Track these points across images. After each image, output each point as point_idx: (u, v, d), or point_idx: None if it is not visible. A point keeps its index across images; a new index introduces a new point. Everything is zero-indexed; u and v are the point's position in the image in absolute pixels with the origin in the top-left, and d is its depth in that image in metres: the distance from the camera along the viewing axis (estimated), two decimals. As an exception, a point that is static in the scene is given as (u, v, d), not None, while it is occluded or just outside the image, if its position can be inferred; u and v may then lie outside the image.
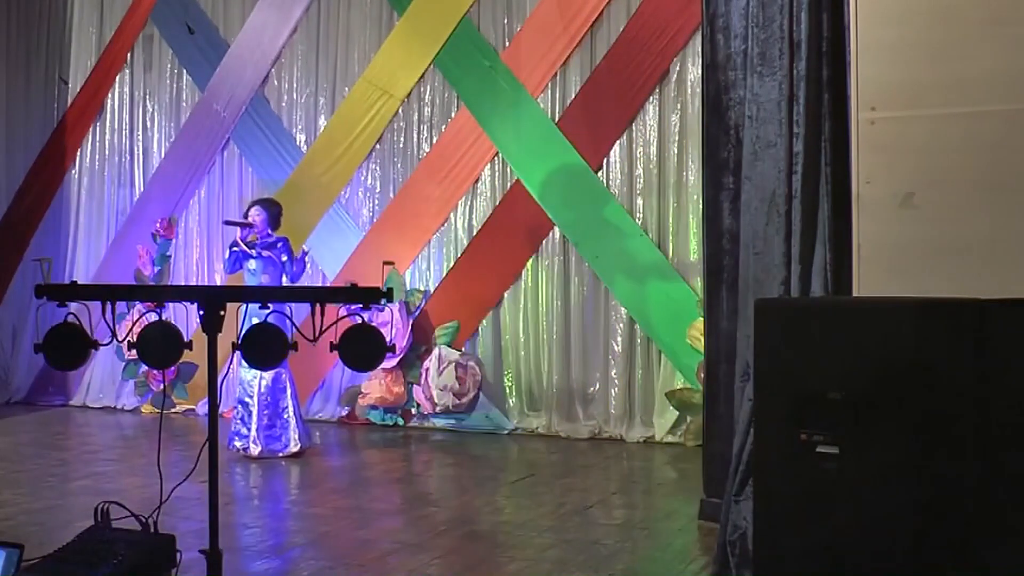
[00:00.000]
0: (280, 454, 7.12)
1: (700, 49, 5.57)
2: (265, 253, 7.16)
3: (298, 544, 5.01)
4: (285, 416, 7.15)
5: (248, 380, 7.13)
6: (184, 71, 9.90)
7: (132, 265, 9.80)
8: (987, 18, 3.71)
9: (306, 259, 7.49)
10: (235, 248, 7.24)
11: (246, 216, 7.40)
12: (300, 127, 9.50)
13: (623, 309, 8.28)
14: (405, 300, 8.79)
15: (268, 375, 7.04)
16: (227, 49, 9.61)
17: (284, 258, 7.19)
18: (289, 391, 7.18)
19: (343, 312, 3.50)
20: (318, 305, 3.43)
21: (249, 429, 7.09)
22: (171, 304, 3.81)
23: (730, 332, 4.91)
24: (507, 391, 8.65)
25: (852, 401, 3.13)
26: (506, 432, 8.45)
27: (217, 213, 9.52)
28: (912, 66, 3.81)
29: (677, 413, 7.99)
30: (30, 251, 10.17)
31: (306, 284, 9.02)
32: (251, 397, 7.11)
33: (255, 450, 7.06)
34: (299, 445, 7.18)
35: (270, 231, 7.29)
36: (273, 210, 7.38)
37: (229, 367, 6.74)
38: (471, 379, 8.59)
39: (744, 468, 4.39)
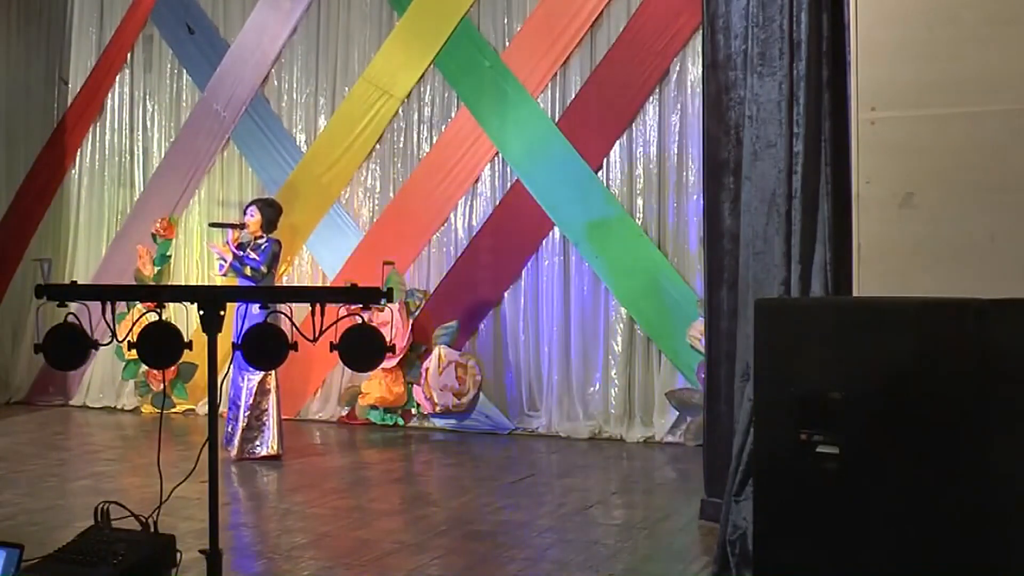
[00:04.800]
0: (255, 455, 7.10)
1: (700, 49, 5.57)
2: (252, 256, 7.11)
3: (298, 544, 5.01)
4: (264, 418, 7.13)
5: (239, 383, 7.12)
6: (184, 71, 9.91)
7: (132, 265, 9.79)
8: (987, 18, 3.71)
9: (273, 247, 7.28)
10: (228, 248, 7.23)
11: (245, 213, 7.38)
12: (300, 127, 9.50)
13: (623, 309, 8.28)
14: (405, 300, 8.79)
15: (256, 377, 7.02)
16: (227, 49, 9.62)
17: (256, 256, 7.11)
18: (273, 394, 7.16)
19: (343, 312, 3.50)
20: (318, 305, 3.43)
21: (235, 430, 7.09)
22: (171, 304, 3.80)
23: (730, 332, 4.91)
24: (507, 391, 8.65)
25: (852, 401, 3.13)
26: (506, 432, 8.45)
27: (217, 213, 9.52)
28: (912, 66, 3.81)
29: (677, 413, 7.99)
30: (30, 251, 10.18)
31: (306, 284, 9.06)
32: (240, 399, 7.10)
33: (234, 451, 7.05)
34: (274, 449, 7.13)
35: (264, 232, 7.25)
36: (268, 212, 7.31)
37: (229, 367, 6.74)
38: (471, 379, 8.58)
39: (744, 468, 4.39)
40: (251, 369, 6.73)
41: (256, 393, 7.07)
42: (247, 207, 7.47)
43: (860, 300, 3.71)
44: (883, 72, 3.86)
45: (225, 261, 7.15)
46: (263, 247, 7.16)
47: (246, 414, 7.07)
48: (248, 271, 7.05)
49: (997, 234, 3.65)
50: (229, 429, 7.16)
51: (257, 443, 7.12)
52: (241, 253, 7.11)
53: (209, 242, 7.22)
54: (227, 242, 7.24)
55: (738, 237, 4.77)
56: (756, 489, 3.60)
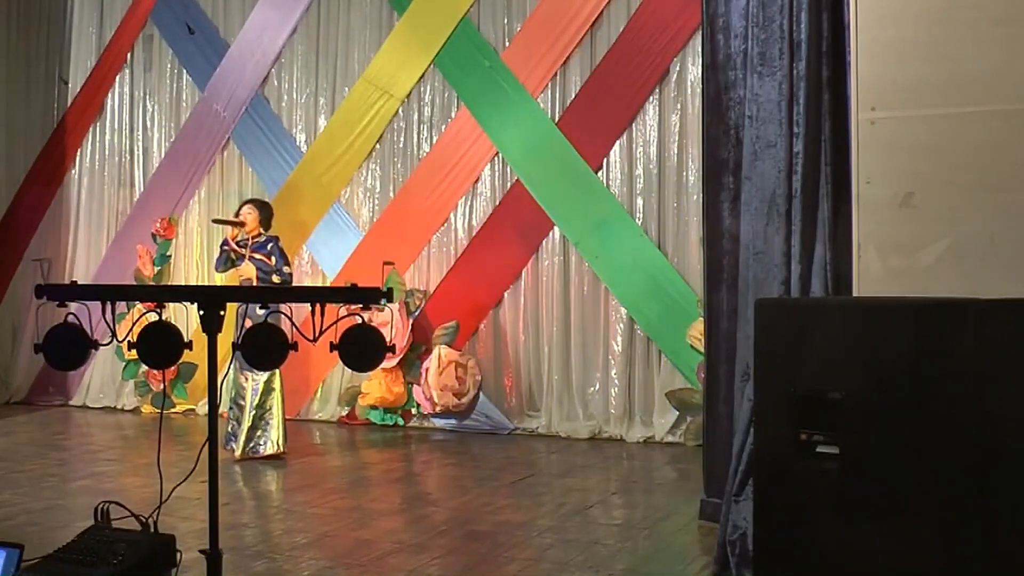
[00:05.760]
0: (259, 455, 7.12)
1: (700, 49, 5.57)
2: (257, 256, 7.14)
3: (298, 544, 5.01)
4: (268, 417, 7.15)
5: (240, 382, 7.13)
6: (184, 71, 9.91)
7: (132, 265, 9.80)
8: (987, 18, 3.71)
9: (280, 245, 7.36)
10: (225, 247, 7.24)
11: (237, 214, 7.39)
12: (300, 127, 9.50)
13: (623, 309, 8.27)
14: (405, 300, 8.79)
15: (261, 377, 7.03)
16: (227, 49, 9.62)
17: (272, 260, 7.15)
18: (278, 393, 7.17)
19: (343, 312, 3.50)
20: (318, 305, 3.43)
21: (239, 431, 7.10)
22: (171, 304, 3.80)
23: (730, 332, 4.91)
24: (507, 391, 8.65)
25: (852, 401, 3.13)
26: (506, 432, 8.45)
27: (217, 213, 9.52)
28: (912, 66, 3.81)
29: (677, 413, 7.99)
30: (30, 251, 10.18)
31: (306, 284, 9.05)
32: (244, 400, 7.11)
33: (238, 451, 7.05)
34: (278, 447, 7.16)
35: (262, 231, 7.28)
36: (264, 212, 7.36)
37: (229, 368, 6.74)
38: (471, 379, 8.58)
39: (744, 468, 4.40)
40: (255, 368, 6.75)
41: (262, 392, 7.09)
42: (241, 206, 7.46)
43: (860, 300, 3.71)
44: (883, 72, 3.86)
45: (253, 280, 7.14)
46: (269, 247, 7.18)
47: (251, 413, 7.08)
48: (276, 279, 7.10)
49: (997, 234, 3.66)
50: (229, 429, 7.18)
51: (261, 442, 7.14)
52: (265, 268, 7.10)
53: (239, 274, 7.22)
54: (224, 240, 7.26)
55: (738, 237, 4.77)
56: (756, 489, 3.60)
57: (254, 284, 7.04)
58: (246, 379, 7.09)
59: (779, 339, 3.36)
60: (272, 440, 7.14)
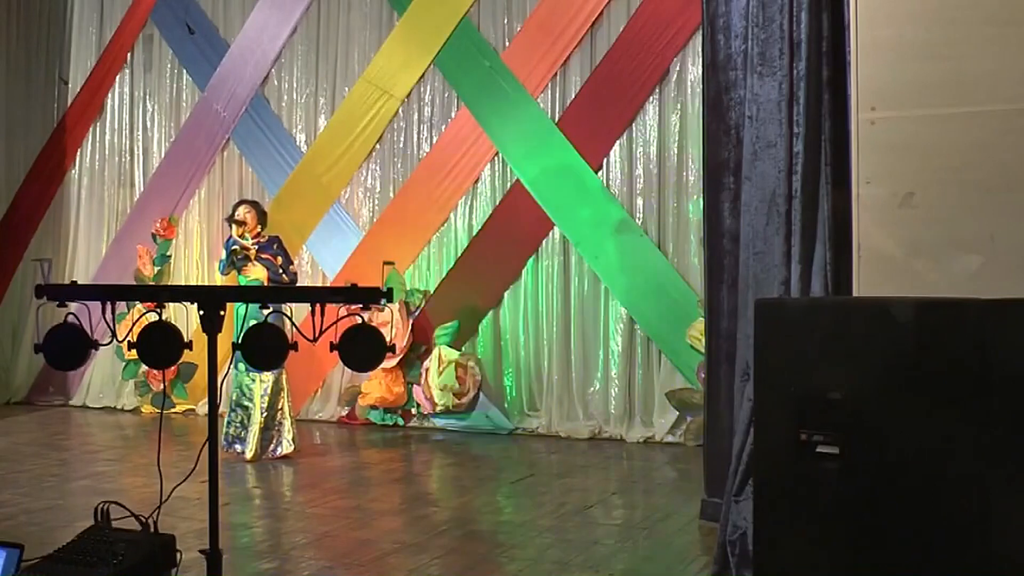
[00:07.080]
0: (274, 456, 7.14)
1: (700, 49, 5.57)
2: (264, 256, 7.16)
3: (298, 544, 5.01)
4: (280, 417, 7.17)
5: (247, 384, 7.13)
6: (184, 71, 9.91)
7: (132, 265, 9.79)
8: (987, 18, 3.71)
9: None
10: (233, 247, 7.23)
11: (232, 215, 7.39)
12: (300, 127, 9.50)
13: (623, 309, 8.27)
14: (405, 300, 8.79)
15: (269, 378, 7.04)
16: (227, 49, 9.62)
17: (279, 260, 7.18)
18: (285, 392, 7.20)
19: (343, 312, 3.49)
20: (318, 305, 3.43)
21: (248, 433, 7.10)
22: (171, 304, 3.80)
23: (730, 332, 4.91)
24: (507, 391, 8.65)
25: (852, 401, 3.13)
26: (506, 432, 8.45)
27: (217, 213, 9.53)
28: (912, 66, 3.81)
29: (677, 413, 7.99)
30: (30, 251, 10.18)
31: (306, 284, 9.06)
32: (251, 401, 7.11)
33: (250, 453, 7.06)
34: (292, 446, 7.20)
35: (261, 230, 7.31)
36: (259, 210, 7.42)
37: (229, 367, 6.74)
38: (471, 379, 8.58)
39: (744, 468, 4.40)
40: (256, 369, 6.76)
41: (271, 393, 7.11)
42: (237, 208, 7.44)
43: (860, 300, 3.71)
44: (883, 72, 3.85)
45: (264, 281, 7.15)
46: (274, 247, 7.22)
47: (263, 415, 7.09)
48: (286, 279, 7.18)
49: (997, 234, 3.65)
50: (232, 431, 7.17)
51: (277, 442, 7.17)
52: (273, 267, 7.13)
53: (245, 267, 7.24)
54: (232, 240, 7.27)
55: (738, 237, 4.77)
56: (756, 489, 3.60)
57: (265, 285, 7.05)
58: (253, 380, 7.10)
59: (779, 339, 3.36)
60: (288, 440, 7.19)
